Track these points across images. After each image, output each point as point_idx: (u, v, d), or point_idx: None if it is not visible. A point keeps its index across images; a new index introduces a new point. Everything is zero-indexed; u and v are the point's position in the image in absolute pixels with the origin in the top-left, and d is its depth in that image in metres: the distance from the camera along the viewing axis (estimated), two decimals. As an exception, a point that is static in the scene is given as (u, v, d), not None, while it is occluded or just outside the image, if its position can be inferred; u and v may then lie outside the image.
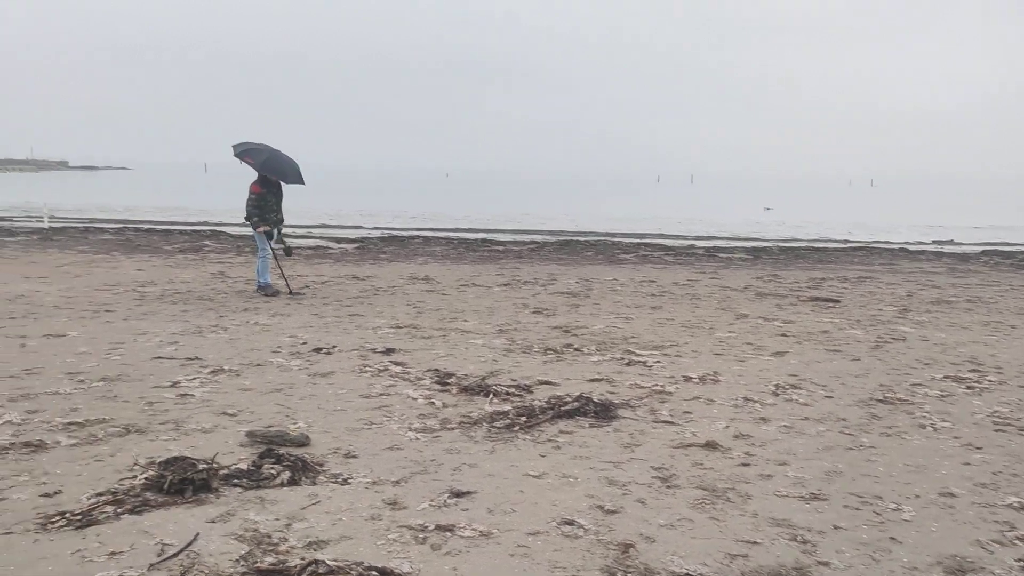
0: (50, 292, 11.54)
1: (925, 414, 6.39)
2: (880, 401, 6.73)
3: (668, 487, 4.74)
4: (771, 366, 7.92)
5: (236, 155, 11.87)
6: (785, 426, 5.99)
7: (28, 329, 8.80)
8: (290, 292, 12.02)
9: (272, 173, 11.77)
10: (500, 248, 21.44)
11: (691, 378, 7.32)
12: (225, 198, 49.13)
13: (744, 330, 9.83)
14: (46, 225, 24.59)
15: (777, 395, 6.84)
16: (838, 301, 12.43)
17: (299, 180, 12.03)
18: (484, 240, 23.91)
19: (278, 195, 12.00)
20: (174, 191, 65.72)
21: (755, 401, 6.61)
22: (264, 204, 11.77)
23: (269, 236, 11.88)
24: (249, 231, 12.56)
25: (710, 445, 5.47)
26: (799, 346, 8.93)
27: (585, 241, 24.09)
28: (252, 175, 11.86)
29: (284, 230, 12.38)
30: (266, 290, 11.82)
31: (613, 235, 27.77)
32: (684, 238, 27.59)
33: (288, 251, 12.96)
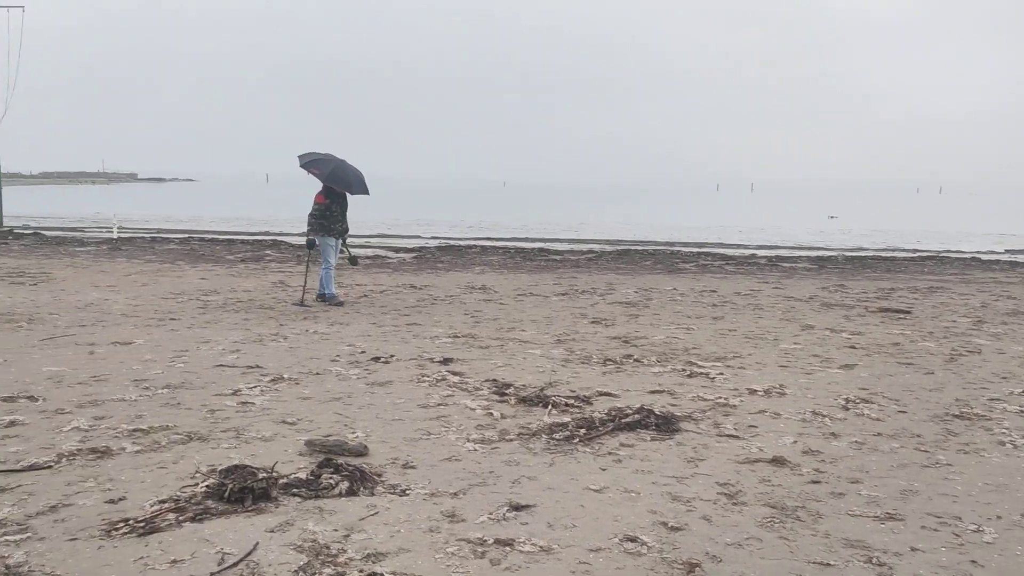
0: (118, 300, 11.81)
1: (1004, 430, 6.10)
2: (956, 416, 6.45)
3: (734, 504, 4.59)
4: (840, 379, 7.68)
5: (302, 166, 11.94)
6: (856, 442, 5.77)
7: (97, 336, 8.99)
8: (300, 303, 11.82)
9: (337, 184, 11.79)
10: (557, 257, 21.34)
11: (756, 391, 7.12)
12: (286, 208, 49.99)
13: (810, 342, 9.57)
14: (115, 235, 25.26)
15: (847, 409, 6.61)
16: (909, 312, 12.04)
17: (364, 190, 12.04)
18: (541, 249, 23.85)
19: (343, 205, 12.01)
20: (237, 201, 67.12)
21: (824, 416, 6.40)
22: (329, 214, 11.80)
23: (311, 245, 11.92)
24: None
25: (778, 461, 5.29)
26: (869, 359, 8.64)
27: (643, 250, 23.86)
28: (317, 185, 11.95)
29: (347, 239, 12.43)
30: (331, 300, 11.87)
31: (672, 244, 27.45)
32: (745, 247, 27.14)
33: (353, 260, 12.98)
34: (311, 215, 11.85)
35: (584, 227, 37.65)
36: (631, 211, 56.96)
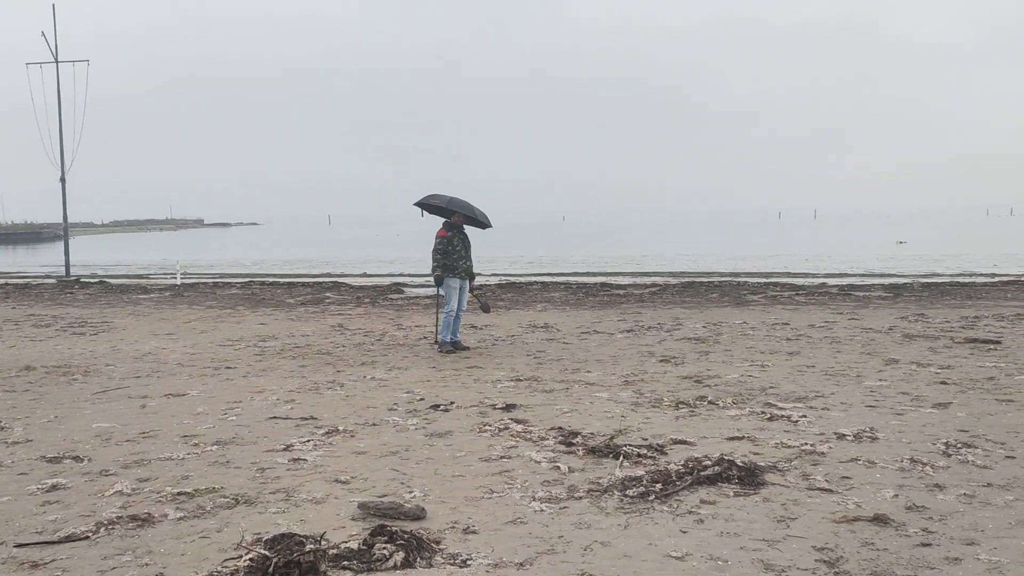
0: (175, 349, 11.68)
1: None
2: (1076, 462, 5.79)
3: (836, 573, 4.05)
4: (935, 420, 7.03)
5: (416, 203, 11.52)
6: (965, 495, 5.16)
7: (151, 388, 8.81)
8: (435, 344, 11.47)
9: (460, 208, 11.23)
10: (621, 292, 20.83)
11: (844, 435, 6.53)
12: (346, 249, 50.36)
13: (896, 377, 8.91)
14: (179, 282, 25.55)
15: (949, 455, 5.98)
16: (999, 342, 11.24)
17: (487, 223, 11.55)
18: (604, 284, 23.34)
19: (466, 242, 11.33)
20: (299, 244, 68.03)
21: (924, 463, 5.78)
22: (451, 249, 11.11)
23: (439, 283, 11.19)
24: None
25: (879, 519, 4.72)
26: (964, 395, 7.96)
27: (708, 282, 23.17)
28: (435, 228, 11.45)
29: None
30: (445, 347, 11.21)
31: (738, 275, 26.70)
32: (814, 276, 26.24)
33: (486, 308, 12.30)
34: (434, 251, 11.17)
35: (646, 259, 37.03)
36: (692, 242, 56.08)
